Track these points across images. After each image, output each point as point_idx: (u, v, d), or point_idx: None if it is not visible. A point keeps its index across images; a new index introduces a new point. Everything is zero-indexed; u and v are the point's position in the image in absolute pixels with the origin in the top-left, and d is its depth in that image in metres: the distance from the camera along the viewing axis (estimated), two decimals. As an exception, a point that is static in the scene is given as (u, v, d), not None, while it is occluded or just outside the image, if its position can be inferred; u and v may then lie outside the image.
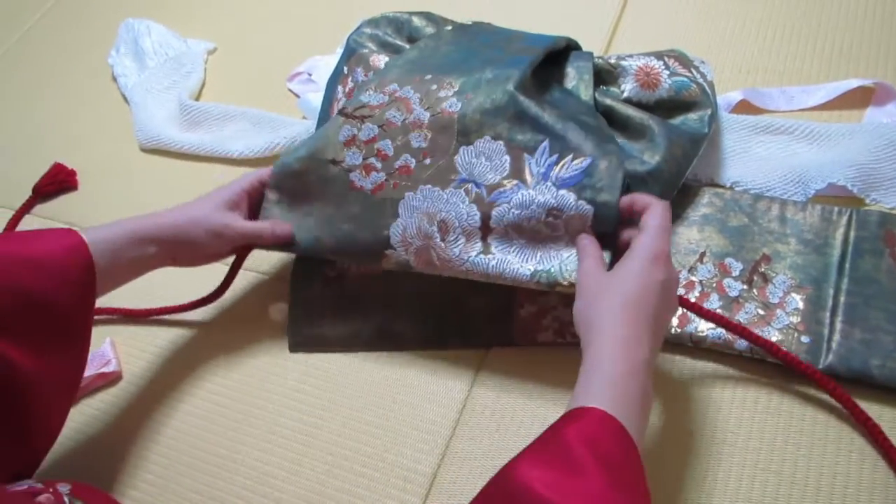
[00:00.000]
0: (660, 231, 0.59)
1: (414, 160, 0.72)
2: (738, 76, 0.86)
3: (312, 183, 0.76)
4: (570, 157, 0.67)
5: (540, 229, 0.67)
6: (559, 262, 0.66)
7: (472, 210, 0.69)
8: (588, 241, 0.64)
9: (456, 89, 0.72)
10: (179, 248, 0.73)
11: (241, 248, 0.78)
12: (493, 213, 0.68)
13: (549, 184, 0.67)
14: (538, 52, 0.74)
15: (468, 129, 0.71)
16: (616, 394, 0.52)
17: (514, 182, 0.68)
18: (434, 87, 0.73)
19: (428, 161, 0.72)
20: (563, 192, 0.66)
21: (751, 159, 0.78)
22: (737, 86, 0.85)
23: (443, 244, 0.70)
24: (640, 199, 0.62)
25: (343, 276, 0.80)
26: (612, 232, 0.65)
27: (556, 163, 0.67)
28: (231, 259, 0.80)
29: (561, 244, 0.67)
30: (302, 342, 0.79)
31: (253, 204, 0.78)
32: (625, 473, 0.49)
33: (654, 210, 0.60)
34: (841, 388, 0.63)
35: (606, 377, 0.53)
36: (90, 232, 0.67)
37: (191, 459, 0.74)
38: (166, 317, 0.84)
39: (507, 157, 0.69)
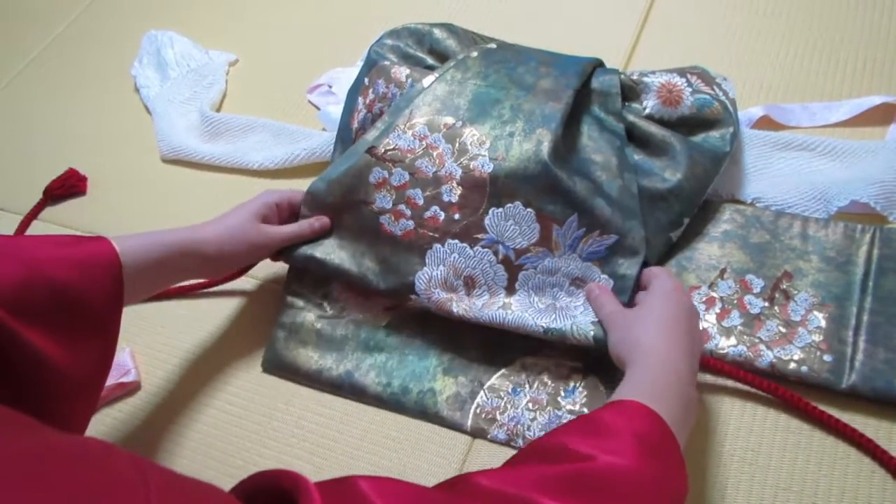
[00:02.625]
0: (668, 274, 0.66)
1: (443, 213, 0.74)
2: (760, 92, 0.86)
3: (345, 220, 0.78)
4: (597, 232, 0.70)
5: (560, 296, 0.71)
6: (571, 323, 0.69)
7: (500, 270, 0.72)
8: (600, 291, 0.68)
9: (487, 146, 0.73)
10: (216, 263, 0.75)
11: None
12: (520, 275, 0.72)
13: (575, 255, 0.71)
14: (568, 97, 0.74)
15: (500, 192, 0.72)
16: (652, 390, 0.55)
17: (542, 249, 0.71)
18: (464, 137, 0.74)
19: (457, 216, 0.73)
20: (588, 263, 0.70)
21: (772, 175, 0.78)
22: (758, 102, 0.85)
23: (467, 297, 0.73)
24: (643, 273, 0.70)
25: (339, 317, 0.79)
26: (626, 303, 0.69)
27: (583, 236, 0.70)
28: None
29: (578, 310, 0.70)
30: (275, 366, 0.79)
31: (283, 216, 0.80)
32: (661, 457, 0.50)
33: (654, 269, 0.69)
34: (851, 428, 0.63)
35: (644, 379, 0.56)
36: (121, 240, 0.66)
37: (208, 471, 0.74)
38: (184, 325, 0.85)
39: (537, 226, 0.71)
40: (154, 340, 0.84)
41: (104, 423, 0.79)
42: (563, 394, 0.69)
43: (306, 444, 0.74)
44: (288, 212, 0.80)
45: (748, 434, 0.65)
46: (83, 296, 0.61)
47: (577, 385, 0.70)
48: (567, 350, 0.71)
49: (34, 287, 0.58)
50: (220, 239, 0.73)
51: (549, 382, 0.70)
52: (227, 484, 0.71)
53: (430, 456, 0.71)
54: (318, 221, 0.78)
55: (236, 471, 0.73)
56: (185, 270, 0.73)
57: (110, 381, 0.79)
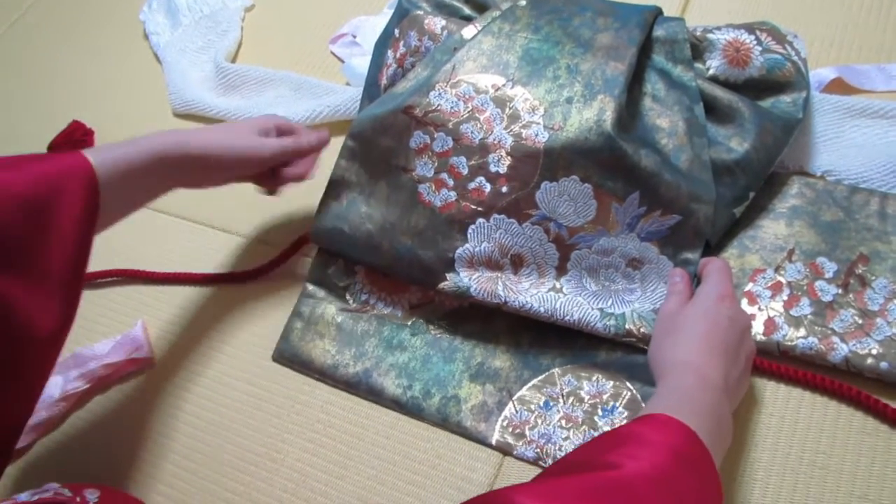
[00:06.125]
0: (721, 275, 0.60)
1: (490, 185, 0.67)
2: (829, 51, 0.78)
3: (381, 186, 0.72)
4: (659, 212, 0.64)
5: (616, 278, 0.65)
6: (630, 309, 0.64)
7: (551, 249, 0.66)
8: (680, 278, 0.63)
9: (541, 112, 0.66)
10: (202, 164, 0.66)
11: (292, 245, 0.77)
12: (572, 255, 0.66)
13: (633, 234, 0.65)
14: (632, 56, 0.66)
15: (554, 164, 0.65)
16: (685, 406, 0.51)
17: (598, 228, 0.65)
18: (515, 101, 0.67)
19: (505, 189, 0.67)
20: (646, 244, 0.64)
21: (845, 145, 0.71)
22: (828, 62, 0.77)
23: (513, 276, 0.67)
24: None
25: (362, 311, 0.73)
26: None
27: (644, 215, 0.64)
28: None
29: (634, 296, 0.64)
30: (288, 356, 0.73)
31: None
32: (695, 464, 0.47)
33: (713, 262, 0.62)
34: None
35: (675, 393, 0.53)
36: (97, 153, 0.59)
37: (228, 456, 0.69)
38: (203, 304, 0.79)
39: (594, 202, 0.65)
40: (168, 313, 0.79)
41: (115, 402, 0.75)
42: (600, 412, 0.63)
43: (332, 431, 0.69)
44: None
45: (819, 434, 0.60)
46: (52, 214, 0.54)
47: (617, 403, 0.63)
48: (609, 363, 0.65)
49: None
50: (206, 137, 0.66)
51: (586, 398, 0.64)
52: (246, 473, 0.67)
53: (468, 448, 0.65)
54: (316, 135, 0.73)
55: (257, 458, 0.69)
56: (169, 178, 0.65)
57: (122, 356, 0.75)
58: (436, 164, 0.69)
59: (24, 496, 0.53)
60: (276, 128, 0.72)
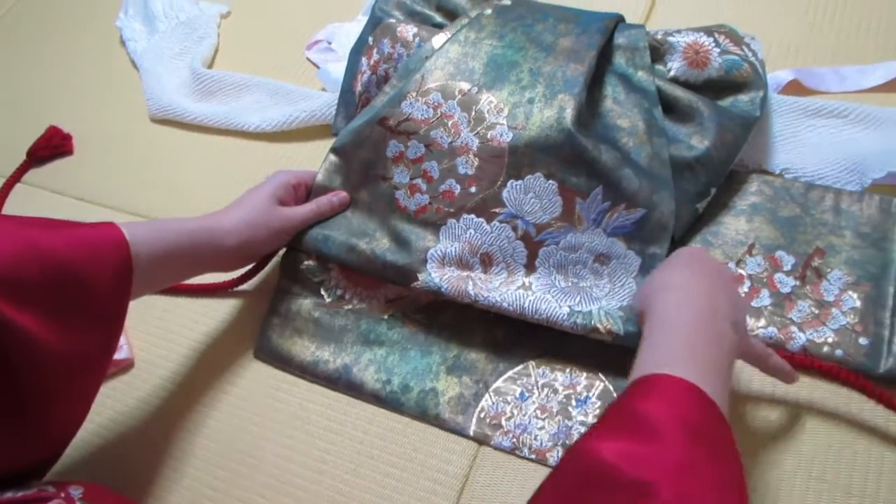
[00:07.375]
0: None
1: (459, 186, 0.70)
2: (787, 54, 0.81)
3: (362, 195, 0.75)
4: (623, 206, 0.66)
5: (584, 275, 0.67)
6: (598, 307, 0.65)
7: (519, 247, 0.68)
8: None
9: (505, 114, 0.68)
10: (235, 254, 0.70)
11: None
12: (540, 252, 0.68)
13: (599, 230, 0.66)
14: (591, 58, 0.69)
15: (519, 162, 0.68)
16: (680, 342, 0.49)
17: (564, 224, 0.67)
18: (481, 105, 0.70)
19: (473, 189, 0.69)
20: (612, 239, 0.66)
21: (801, 144, 0.74)
22: (785, 65, 0.80)
23: (483, 275, 0.68)
24: None
25: (338, 306, 0.74)
26: None
27: (608, 210, 0.66)
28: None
29: (602, 291, 0.66)
30: (267, 352, 0.74)
31: (300, 197, 0.76)
32: (711, 438, 0.44)
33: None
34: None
35: (674, 336, 0.50)
36: (130, 225, 0.61)
37: (208, 454, 0.71)
38: (184, 306, 0.80)
39: (559, 199, 0.67)
40: (148, 314, 0.80)
41: (97, 401, 0.74)
42: (574, 403, 0.65)
43: (310, 428, 0.70)
44: (304, 193, 0.76)
45: (778, 415, 0.62)
46: (86, 277, 0.57)
47: (591, 395, 0.65)
48: (582, 356, 0.67)
49: (29, 263, 0.54)
50: (239, 228, 0.68)
51: (561, 390, 0.66)
52: (227, 470, 0.68)
53: (443, 441, 0.67)
54: (337, 197, 0.74)
55: (239, 455, 0.70)
56: (200, 262, 0.68)
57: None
58: (410, 170, 0.72)
59: (7, 494, 0.54)
60: (287, 185, 0.73)
